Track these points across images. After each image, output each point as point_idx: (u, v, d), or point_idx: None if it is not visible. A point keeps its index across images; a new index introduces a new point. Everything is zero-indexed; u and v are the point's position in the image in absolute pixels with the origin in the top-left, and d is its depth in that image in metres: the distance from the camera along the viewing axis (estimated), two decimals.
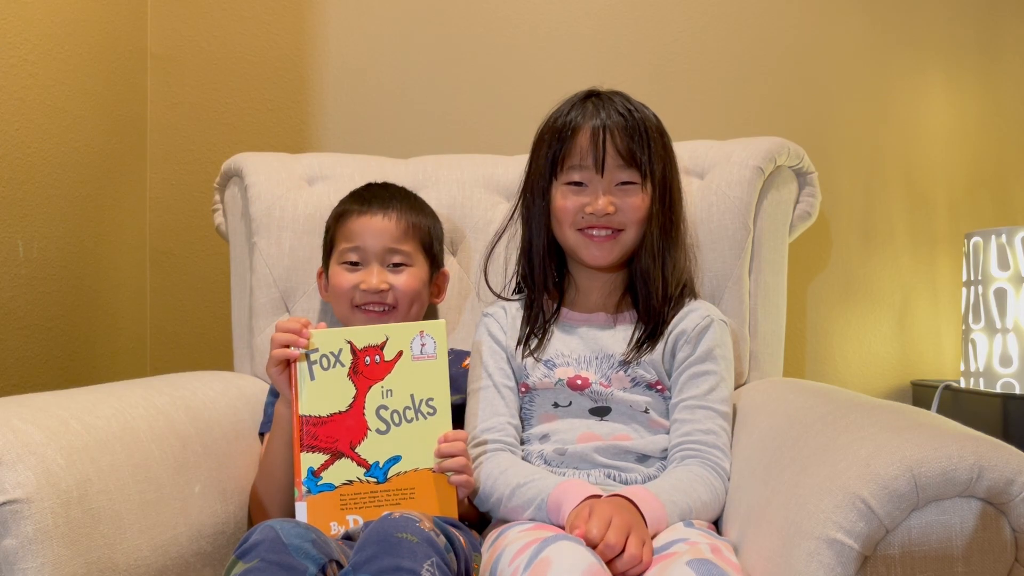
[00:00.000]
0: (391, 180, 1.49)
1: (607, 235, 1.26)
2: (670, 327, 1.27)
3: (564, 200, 1.27)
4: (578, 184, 1.27)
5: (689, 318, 1.28)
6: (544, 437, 1.26)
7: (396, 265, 1.36)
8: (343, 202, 1.42)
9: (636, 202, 1.26)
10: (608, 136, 1.24)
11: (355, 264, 1.36)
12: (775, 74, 1.83)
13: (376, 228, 1.36)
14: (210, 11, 1.88)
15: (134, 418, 1.10)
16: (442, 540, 0.99)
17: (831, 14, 1.83)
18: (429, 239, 1.41)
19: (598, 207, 1.24)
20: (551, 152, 1.28)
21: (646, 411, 1.25)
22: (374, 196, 1.40)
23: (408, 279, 1.36)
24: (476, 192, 1.56)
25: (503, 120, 1.84)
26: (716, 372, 1.25)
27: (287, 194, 1.52)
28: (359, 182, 1.47)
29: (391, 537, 0.96)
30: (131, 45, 1.82)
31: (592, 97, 1.29)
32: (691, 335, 1.26)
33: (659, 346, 1.26)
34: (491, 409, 1.27)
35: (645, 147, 1.25)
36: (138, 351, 1.86)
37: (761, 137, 1.50)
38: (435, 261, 1.42)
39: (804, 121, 1.82)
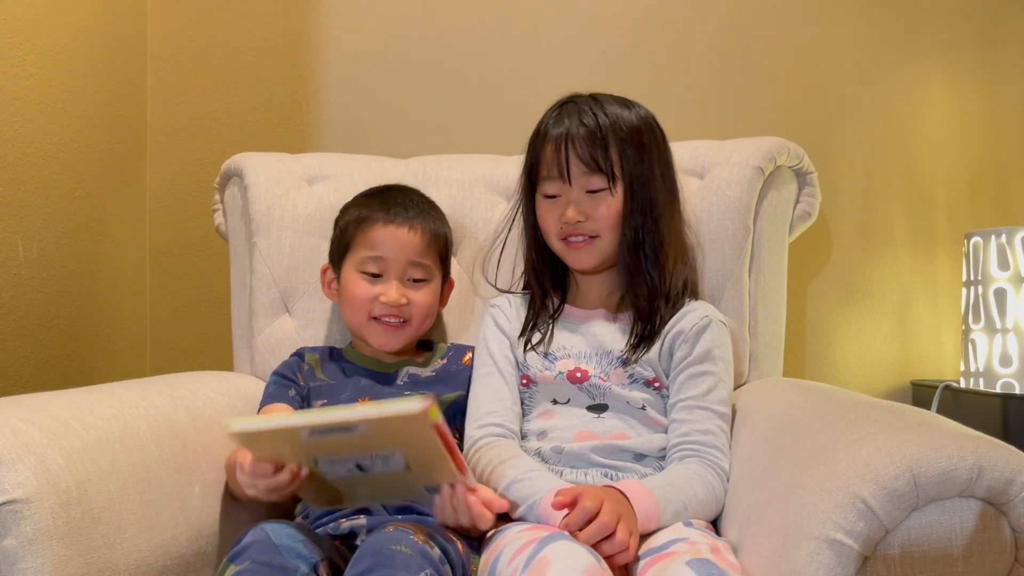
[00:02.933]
0: (391, 180, 1.48)
1: (583, 241, 1.28)
2: (668, 326, 1.28)
3: (543, 213, 1.30)
4: (553, 196, 1.29)
5: (687, 318, 1.28)
6: (542, 434, 1.27)
7: (416, 280, 1.35)
8: (365, 205, 1.37)
9: (604, 209, 1.26)
10: (569, 145, 1.25)
11: (375, 276, 1.34)
12: (775, 74, 1.83)
13: (401, 241, 1.33)
14: (210, 11, 1.88)
15: (134, 418, 1.10)
16: (436, 552, 1.00)
17: (831, 14, 1.83)
18: (446, 250, 1.41)
19: (568, 217, 1.27)
20: (528, 163, 1.32)
21: (643, 408, 1.26)
22: (398, 204, 1.36)
23: (426, 295, 1.35)
24: (476, 192, 1.55)
25: (503, 120, 1.84)
26: (714, 373, 1.25)
27: (287, 194, 1.52)
28: (359, 182, 1.46)
29: (385, 550, 0.97)
30: (131, 45, 1.82)
31: (566, 104, 1.30)
32: (689, 335, 1.26)
33: (656, 345, 1.27)
34: (495, 394, 1.30)
35: (609, 151, 1.25)
36: (138, 351, 1.86)
37: (761, 137, 1.50)
38: (446, 270, 1.42)
39: (804, 121, 1.82)
